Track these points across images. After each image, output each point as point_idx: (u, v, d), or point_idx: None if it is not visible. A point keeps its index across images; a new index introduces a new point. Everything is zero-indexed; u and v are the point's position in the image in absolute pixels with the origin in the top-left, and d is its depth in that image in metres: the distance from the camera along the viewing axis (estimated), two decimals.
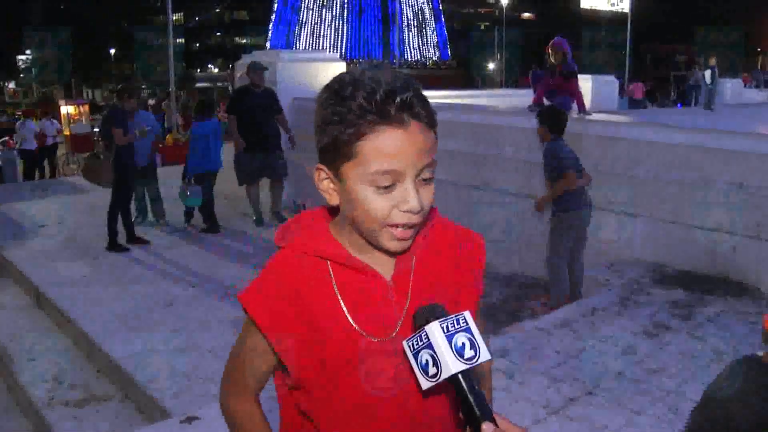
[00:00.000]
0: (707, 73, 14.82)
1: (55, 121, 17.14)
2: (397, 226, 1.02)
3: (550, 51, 7.05)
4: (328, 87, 1.05)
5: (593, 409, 3.23)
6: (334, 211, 1.13)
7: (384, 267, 1.10)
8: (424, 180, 1.03)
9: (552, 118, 5.00)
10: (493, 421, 0.95)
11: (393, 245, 1.05)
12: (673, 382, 3.50)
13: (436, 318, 0.98)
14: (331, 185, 1.06)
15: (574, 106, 7.07)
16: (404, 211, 1.01)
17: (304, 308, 1.08)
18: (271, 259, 1.14)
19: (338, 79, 1.04)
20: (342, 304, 1.08)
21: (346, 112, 0.99)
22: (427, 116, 1.02)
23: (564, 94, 7.04)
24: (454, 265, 1.17)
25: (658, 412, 3.21)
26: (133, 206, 7.32)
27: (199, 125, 7.63)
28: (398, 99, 0.98)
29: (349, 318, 1.08)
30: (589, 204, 5.06)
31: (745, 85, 19.87)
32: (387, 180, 0.99)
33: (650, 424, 3.12)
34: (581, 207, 5.01)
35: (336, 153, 1.02)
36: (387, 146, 0.98)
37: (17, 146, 13.96)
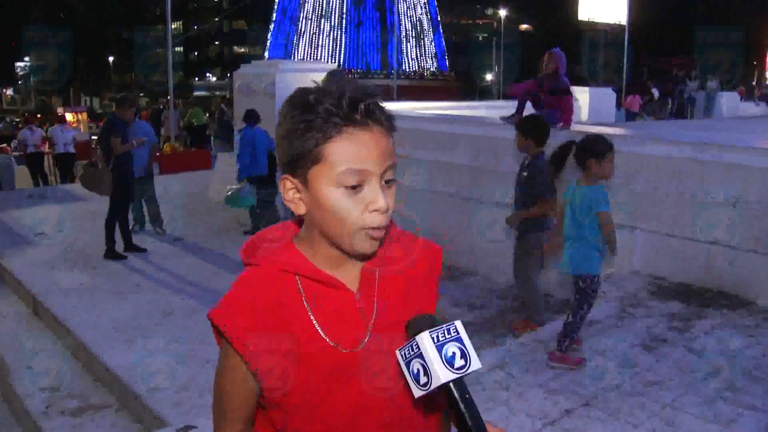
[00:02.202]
0: (708, 85, 15.02)
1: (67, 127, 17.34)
2: (369, 228, 1.04)
3: (546, 58, 6.95)
4: (290, 100, 1.06)
5: (590, 422, 3.24)
6: (301, 224, 1.14)
7: (350, 279, 1.12)
8: (387, 182, 1.05)
9: (538, 130, 4.72)
10: (484, 430, 0.97)
11: (366, 246, 1.06)
12: (670, 394, 3.51)
13: (428, 328, 0.99)
14: (297, 195, 1.08)
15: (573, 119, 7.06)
16: (373, 211, 1.03)
17: (275, 323, 1.08)
18: (239, 277, 1.15)
19: (300, 92, 1.06)
20: (312, 318, 1.09)
21: (313, 119, 1.01)
22: (387, 121, 1.06)
23: (551, 107, 6.95)
24: (414, 272, 1.19)
25: (655, 424, 3.22)
26: (130, 216, 7.33)
27: (244, 132, 7.80)
28: (362, 105, 1.02)
29: (320, 331, 1.08)
30: None
31: (741, 99, 19.94)
32: (355, 179, 1.02)
33: None
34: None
35: (303, 160, 1.03)
36: (354, 147, 1.01)
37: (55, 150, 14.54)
